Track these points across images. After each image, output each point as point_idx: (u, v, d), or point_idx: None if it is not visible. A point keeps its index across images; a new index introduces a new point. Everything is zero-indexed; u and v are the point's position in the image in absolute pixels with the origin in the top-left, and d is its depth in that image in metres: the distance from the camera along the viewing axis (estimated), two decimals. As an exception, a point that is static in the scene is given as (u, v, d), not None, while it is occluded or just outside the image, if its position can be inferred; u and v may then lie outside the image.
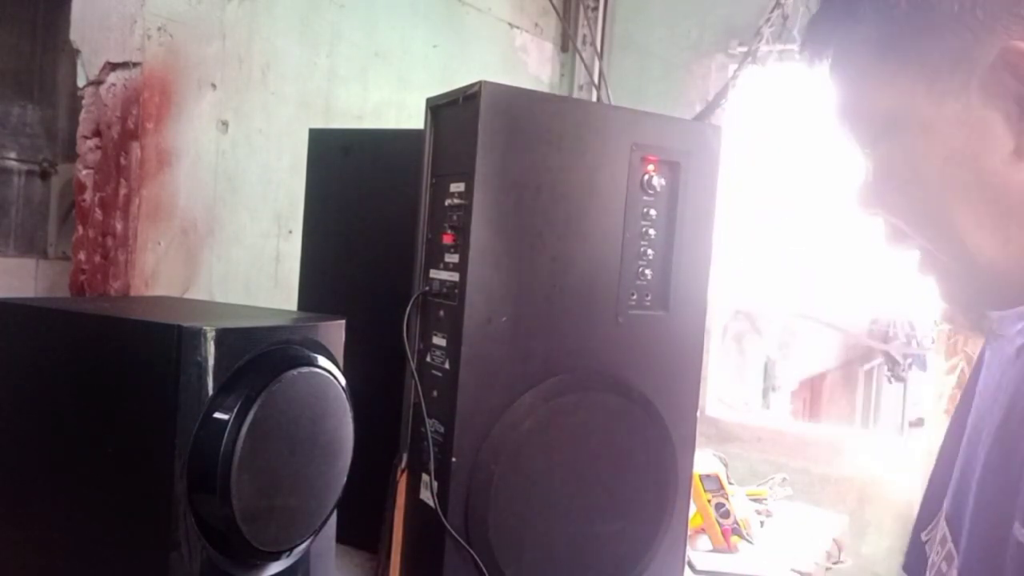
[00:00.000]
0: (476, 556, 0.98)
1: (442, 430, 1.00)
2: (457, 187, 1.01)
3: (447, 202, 1.01)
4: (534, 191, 1.02)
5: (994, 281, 0.57)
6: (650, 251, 1.10)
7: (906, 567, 0.76)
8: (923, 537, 0.72)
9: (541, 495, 1.04)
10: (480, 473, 0.99)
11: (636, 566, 1.14)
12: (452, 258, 1.01)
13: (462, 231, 0.99)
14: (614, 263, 1.09)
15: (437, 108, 1.09)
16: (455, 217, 1.00)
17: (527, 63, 2.62)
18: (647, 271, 1.10)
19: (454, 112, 1.05)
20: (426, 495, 1.02)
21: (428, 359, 1.04)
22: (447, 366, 1.00)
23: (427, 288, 1.04)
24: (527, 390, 1.02)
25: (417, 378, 1.04)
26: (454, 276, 1.00)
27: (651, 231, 1.10)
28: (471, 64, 2.31)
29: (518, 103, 1.03)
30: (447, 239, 1.01)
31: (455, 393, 0.98)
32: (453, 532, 0.98)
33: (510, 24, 2.52)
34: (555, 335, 1.05)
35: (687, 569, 1.43)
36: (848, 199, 0.65)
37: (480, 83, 0.98)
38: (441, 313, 1.02)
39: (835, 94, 0.63)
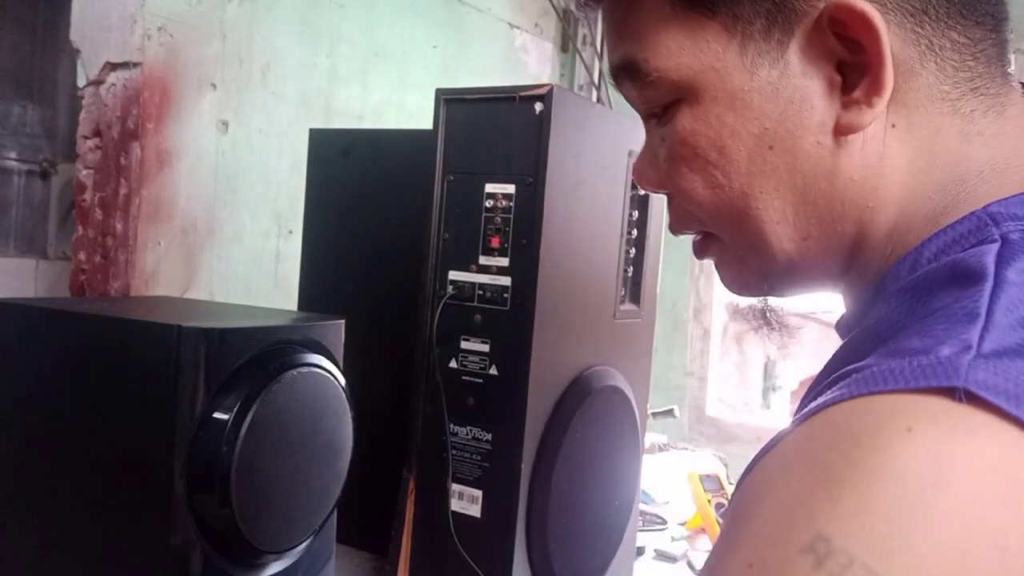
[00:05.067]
0: (533, 563, 0.99)
1: (488, 437, 1.00)
2: (501, 188, 1.00)
3: (489, 203, 1.00)
4: (577, 194, 1.03)
5: (787, 276, 0.51)
6: (632, 250, 1.15)
7: None
8: None
9: (579, 490, 1.07)
10: (540, 479, 0.99)
11: (623, 533, 1.20)
12: (498, 261, 0.99)
13: (515, 234, 0.98)
14: (614, 263, 1.12)
15: (461, 103, 1.05)
16: (499, 219, 0.99)
17: (527, 63, 2.61)
18: (629, 269, 1.16)
19: (496, 110, 1.02)
20: (466, 506, 1.01)
21: (454, 365, 1.03)
22: (494, 371, 0.99)
23: (453, 291, 1.03)
24: (564, 391, 1.03)
25: (442, 385, 1.03)
26: (500, 280, 0.99)
27: (634, 231, 1.15)
28: (471, 64, 2.31)
29: (575, 108, 1.03)
30: (494, 241, 1.00)
31: (518, 399, 0.97)
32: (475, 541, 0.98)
33: (510, 24, 2.52)
34: (578, 335, 1.07)
35: (687, 569, 1.43)
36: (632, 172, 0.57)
37: (550, 86, 0.97)
38: (478, 317, 1.01)
39: (613, 43, 0.52)
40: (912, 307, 0.41)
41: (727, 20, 0.46)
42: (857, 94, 0.44)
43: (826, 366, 0.46)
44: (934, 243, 0.44)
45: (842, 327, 0.51)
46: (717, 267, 0.55)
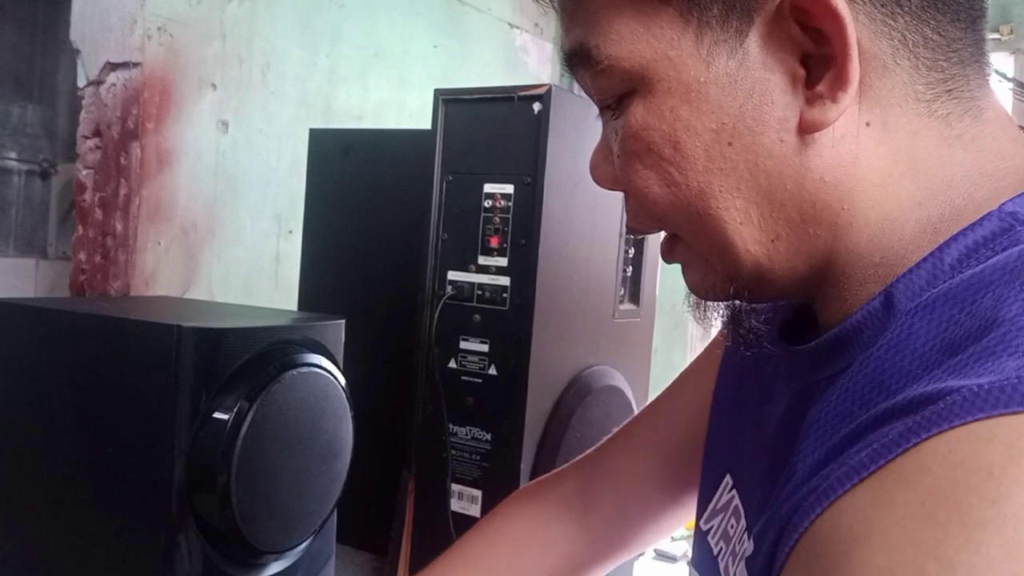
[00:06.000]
0: None
1: (488, 437, 1.00)
2: (500, 188, 1.00)
3: (488, 203, 1.00)
4: (575, 194, 1.03)
5: (755, 280, 0.47)
6: (631, 250, 1.16)
7: (693, 561, 0.71)
8: (703, 527, 0.63)
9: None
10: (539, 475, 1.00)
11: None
12: (497, 261, 0.99)
13: (513, 234, 0.98)
14: (613, 262, 1.12)
15: (459, 103, 1.05)
16: (498, 219, 0.99)
17: (527, 63, 2.61)
18: (628, 269, 1.16)
19: (494, 110, 1.02)
20: (465, 506, 1.01)
21: (453, 365, 1.03)
22: (492, 371, 1.00)
23: (452, 291, 1.03)
24: (563, 390, 1.04)
25: (441, 385, 1.03)
26: (499, 280, 0.99)
27: None
28: (471, 64, 2.31)
29: (573, 107, 1.03)
30: (493, 242, 1.00)
31: (517, 399, 0.97)
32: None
33: (510, 24, 2.52)
34: (577, 334, 1.07)
35: (687, 569, 1.43)
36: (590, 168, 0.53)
37: (548, 86, 0.97)
38: (477, 317, 1.01)
39: (566, 28, 0.48)
40: (956, 320, 0.37)
41: (682, 5, 0.42)
42: (821, 88, 0.41)
43: (838, 400, 0.41)
44: (954, 249, 0.40)
45: (824, 351, 0.46)
46: (683, 270, 0.51)
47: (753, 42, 0.42)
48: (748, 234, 0.45)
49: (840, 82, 0.40)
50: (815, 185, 0.42)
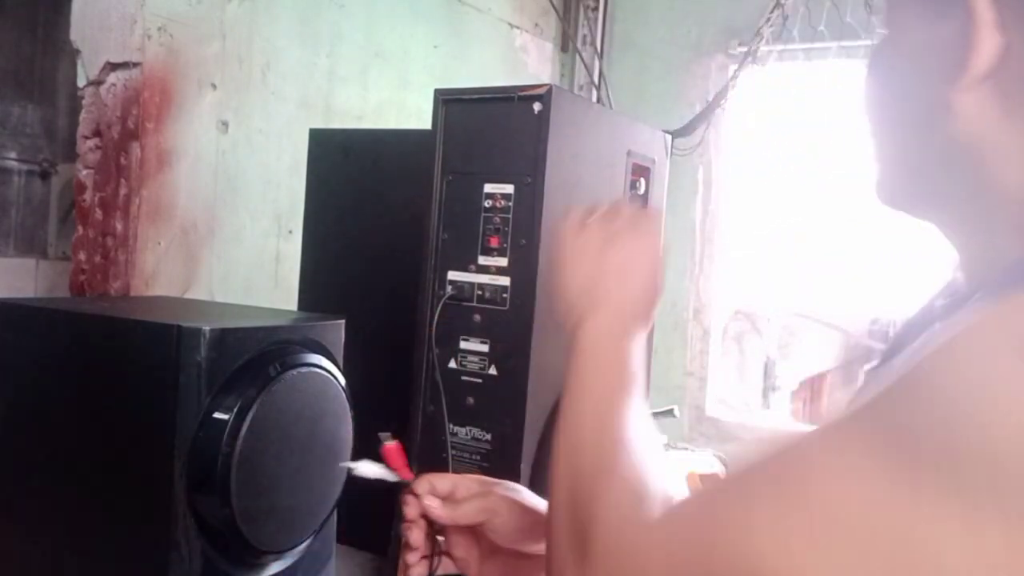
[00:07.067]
0: None
1: (488, 437, 0.99)
2: (500, 188, 0.99)
3: (488, 203, 0.99)
4: (576, 194, 1.02)
5: (901, 199, 0.54)
6: None
7: None
8: None
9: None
10: (540, 478, 0.99)
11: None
12: (497, 261, 0.99)
13: (514, 234, 0.98)
14: (614, 263, 1.12)
15: (460, 103, 1.05)
16: (498, 219, 0.99)
17: (527, 63, 2.61)
18: None
19: (495, 110, 1.01)
20: None
21: (453, 365, 1.03)
22: (492, 371, 0.99)
23: (453, 292, 1.02)
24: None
25: (442, 385, 1.02)
26: (499, 280, 0.99)
27: None
28: (471, 64, 2.31)
29: (574, 107, 1.03)
30: (493, 242, 0.99)
31: (517, 399, 0.97)
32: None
33: (510, 24, 2.52)
34: None
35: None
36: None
37: (548, 86, 0.97)
38: (477, 317, 1.00)
39: None
40: None
41: None
42: (965, 61, 0.44)
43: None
44: None
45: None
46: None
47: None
48: (884, 158, 0.52)
49: (964, 66, 0.44)
50: (948, 141, 0.47)
